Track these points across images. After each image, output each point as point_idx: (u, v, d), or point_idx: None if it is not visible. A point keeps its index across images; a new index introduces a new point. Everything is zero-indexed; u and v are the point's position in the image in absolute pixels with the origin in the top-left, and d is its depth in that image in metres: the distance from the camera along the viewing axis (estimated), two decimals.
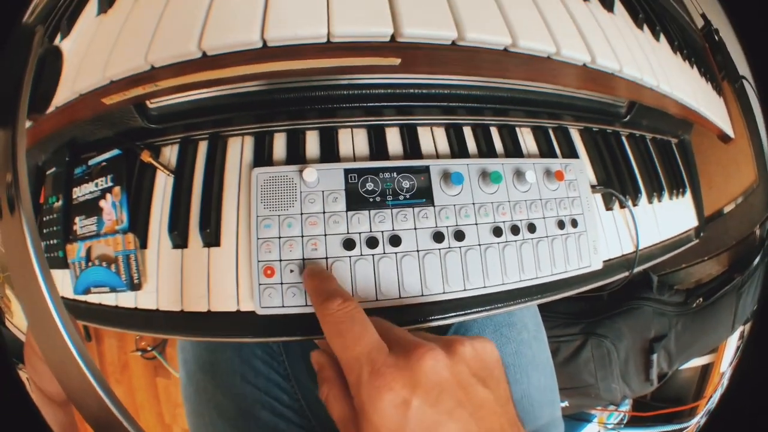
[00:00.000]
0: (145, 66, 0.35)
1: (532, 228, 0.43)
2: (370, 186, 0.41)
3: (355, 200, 0.40)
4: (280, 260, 0.39)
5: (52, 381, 0.31)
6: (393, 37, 0.34)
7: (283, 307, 0.38)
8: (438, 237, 0.40)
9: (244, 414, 0.51)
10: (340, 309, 0.32)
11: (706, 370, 0.78)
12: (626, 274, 0.52)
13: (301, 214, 0.39)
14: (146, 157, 0.44)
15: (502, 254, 0.42)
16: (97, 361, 0.85)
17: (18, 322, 0.59)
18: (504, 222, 0.42)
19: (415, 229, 0.40)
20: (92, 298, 0.44)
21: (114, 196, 0.44)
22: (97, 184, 0.45)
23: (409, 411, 0.28)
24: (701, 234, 0.62)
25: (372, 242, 0.40)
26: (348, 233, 0.40)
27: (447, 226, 0.41)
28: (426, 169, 0.42)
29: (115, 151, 0.45)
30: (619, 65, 0.42)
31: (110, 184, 0.45)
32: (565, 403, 0.80)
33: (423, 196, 0.41)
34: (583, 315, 0.76)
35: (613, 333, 0.74)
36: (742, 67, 0.68)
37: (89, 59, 0.39)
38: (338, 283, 0.37)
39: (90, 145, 0.46)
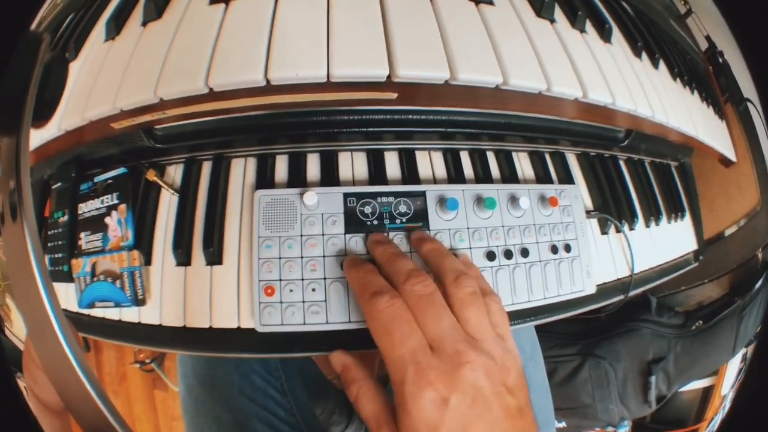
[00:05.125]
0: (155, 99, 0.39)
1: (525, 252, 0.47)
2: (368, 209, 0.45)
3: (353, 223, 0.44)
4: (280, 280, 0.43)
5: (50, 390, 0.33)
6: (389, 77, 0.38)
7: (282, 325, 0.42)
8: None
9: (242, 427, 0.55)
10: (388, 306, 0.35)
11: (707, 393, 0.81)
12: (621, 297, 0.56)
13: (301, 235, 0.44)
14: (151, 175, 0.49)
15: (495, 277, 0.46)
16: (96, 372, 0.89)
17: (17, 330, 0.63)
18: (497, 246, 0.47)
19: (411, 252, 0.44)
20: (96, 312, 0.48)
21: (119, 213, 0.48)
22: (102, 201, 0.49)
23: (447, 409, 0.32)
24: (700, 257, 0.65)
25: None
26: (346, 255, 0.44)
27: None
28: (422, 194, 0.46)
29: (121, 169, 0.50)
30: (612, 98, 0.46)
31: (116, 201, 0.49)
32: (563, 424, 0.84)
33: (419, 220, 0.45)
34: (581, 336, 0.81)
35: (611, 354, 0.78)
36: (748, 89, 0.71)
37: (99, 87, 0.43)
38: (381, 277, 0.39)
39: (96, 162, 0.51)
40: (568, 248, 0.50)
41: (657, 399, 0.79)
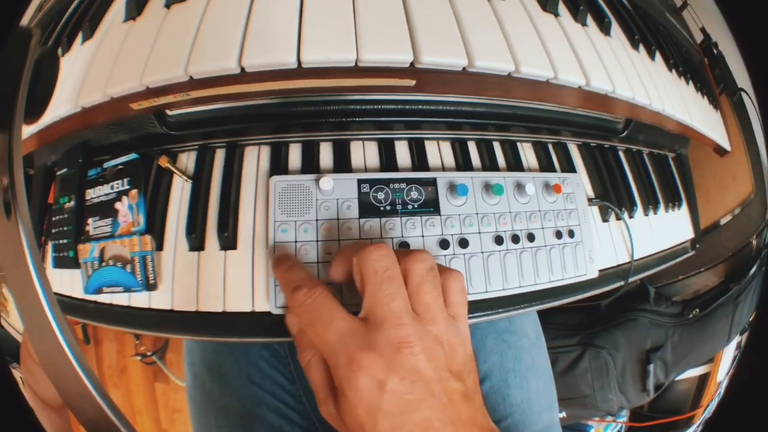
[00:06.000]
0: (184, 77, 0.41)
1: (531, 237, 0.51)
2: (381, 195, 0.48)
3: (367, 208, 0.47)
4: None
5: (49, 385, 0.34)
6: (412, 63, 0.41)
7: None
8: (444, 244, 0.48)
9: (250, 415, 0.56)
10: (307, 298, 0.36)
11: (703, 380, 0.86)
12: (621, 283, 0.60)
13: (317, 220, 0.46)
14: (164, 162, 0.50)
15: (503, 261, 0.49)
16: (95, 365, 0.90)
17: (14, 321, 0.64)
18: (505, 231, 0.50)
19: (423, 236, 0.47)
20: (103, 298, 0.50)
21: (131, 198, 0.50)
22: (112, 187, 0.51)
23: (384, 392, 0.33)
24: (697, 245, 0.69)
25: None
26: (360, 239, 0.46)
27: (452, 234, 0.48)
28: (433, 181, 0.49)
29: (132, 155, 0.51)
30: (612, 86, 0.50)
31: (127, 186, 0.50)
32: (563, 414, 0.88)
33: (430, 205, 0.48)
34: (582, 326, 0.84)
35: (610, 344, 0.82)
36: (743, 79, 0.76)
37: (121, 66, 0.45)
38: (302, 270, 0.41)
39: (104, 149, 0.52)
40: (571, 234, 0.53)
41: (655, 387, 0.82)
